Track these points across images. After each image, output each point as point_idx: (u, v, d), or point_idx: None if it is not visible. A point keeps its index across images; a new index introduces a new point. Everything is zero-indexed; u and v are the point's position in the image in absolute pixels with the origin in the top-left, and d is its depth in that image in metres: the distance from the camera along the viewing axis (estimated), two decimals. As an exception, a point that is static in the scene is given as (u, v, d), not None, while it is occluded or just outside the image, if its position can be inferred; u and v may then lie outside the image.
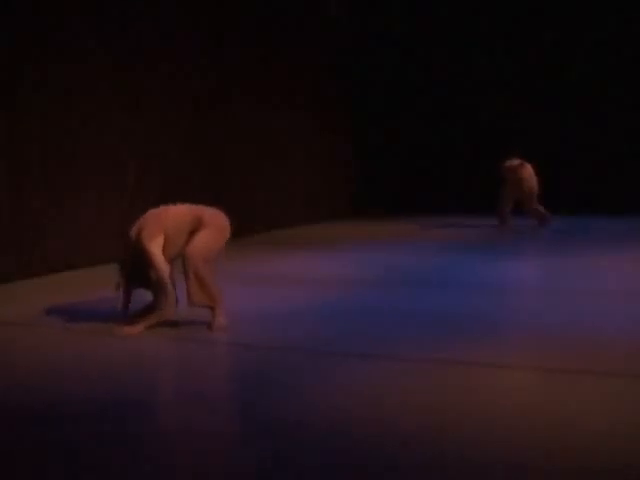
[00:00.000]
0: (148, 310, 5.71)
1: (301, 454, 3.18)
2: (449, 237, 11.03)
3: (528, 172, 11.80)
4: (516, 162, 11.94)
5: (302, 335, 5.31)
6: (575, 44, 13.67)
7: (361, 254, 9.32)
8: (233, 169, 11.12)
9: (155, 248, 5.36)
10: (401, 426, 3.51)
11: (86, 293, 7.08)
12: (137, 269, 5.58)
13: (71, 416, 3.70)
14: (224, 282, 7.36)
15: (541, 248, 9.79)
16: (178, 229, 5.49)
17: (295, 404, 3.83)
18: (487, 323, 5.55)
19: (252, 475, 2.99)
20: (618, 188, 13.58)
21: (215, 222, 5.56)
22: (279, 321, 5.74)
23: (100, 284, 7.45)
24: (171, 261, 5.58)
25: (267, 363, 4.60)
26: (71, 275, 8.27)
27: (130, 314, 5.71)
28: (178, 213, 5.55)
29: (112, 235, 8.93)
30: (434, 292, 6.78)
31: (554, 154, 13.78)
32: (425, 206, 14.83)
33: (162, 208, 5.65)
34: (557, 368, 4.39)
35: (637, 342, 4.96)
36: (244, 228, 11.13)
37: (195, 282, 5.44)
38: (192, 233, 5.52)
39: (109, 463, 3.12)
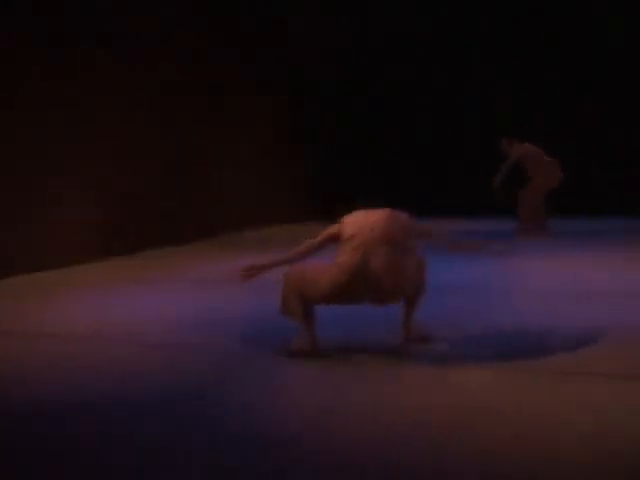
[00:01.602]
0: None
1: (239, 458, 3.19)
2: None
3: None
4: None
5: (250, 337, 5.30)
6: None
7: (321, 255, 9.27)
8: (194, 170, 10.95)
9: None
10: (348, 428, 3.52)
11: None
12: None
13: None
14: (173, 285, 7.43)
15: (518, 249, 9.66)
16: None
17: (233, 406, 3.84)
18: (448, 323, 5.55)
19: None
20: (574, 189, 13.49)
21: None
22: (228, 324, 5.70)
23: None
24: None
25: (207, 364, 4.62)
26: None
27: None
28: None
29: (76, 236, 8.84)
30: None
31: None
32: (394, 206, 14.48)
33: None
34: (511, 368, 4.43)
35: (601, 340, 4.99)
36: (206, 229, 11.07)
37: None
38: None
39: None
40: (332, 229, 4.85)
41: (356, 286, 4.62)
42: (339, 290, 4.65)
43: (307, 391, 4.12)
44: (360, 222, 4.76)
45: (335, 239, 4.81)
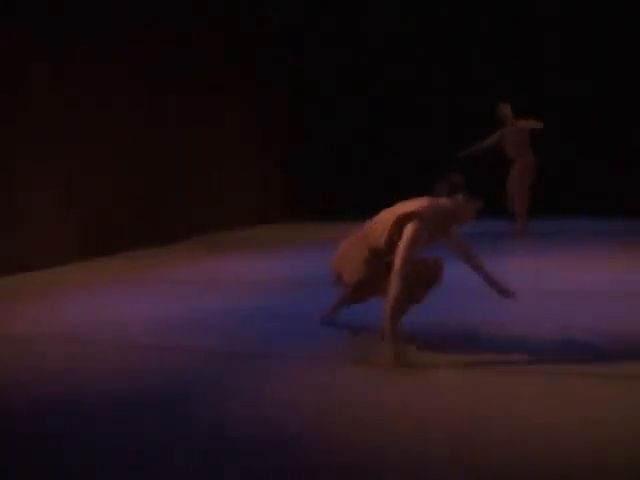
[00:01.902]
0: None
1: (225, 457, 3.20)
2: None
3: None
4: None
5: (227, 338, 5.28)
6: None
7: (293, 257, 9.21)
8: (167, 170, 10.85)
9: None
10: (322, 426, 3.54)
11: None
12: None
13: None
14: (159, 285, 7.41)
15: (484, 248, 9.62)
16: None
17: (218, 407, 3.84)
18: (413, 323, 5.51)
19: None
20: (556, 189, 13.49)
21: None
22: (206, 325, 5.68)
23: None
24: None
25: (190, 367, 4.62)
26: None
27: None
28: None
29: (59, 236, 8.80)
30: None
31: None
32: (368, 208, 14.36)
33: None
34: (462, 368, 4.44)
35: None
36: (192, 230, 11.03)
37: None
38: None
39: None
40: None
41: None
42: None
43: (303, 391, 4.11)
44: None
45: None
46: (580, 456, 3.16)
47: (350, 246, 5.00)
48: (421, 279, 4.92)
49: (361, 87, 14.71)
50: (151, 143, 10.48)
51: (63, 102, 8.94)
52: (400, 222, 4.66)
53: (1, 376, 4.59)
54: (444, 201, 4.80)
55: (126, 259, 9.27)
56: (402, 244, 4.55)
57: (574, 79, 13.52)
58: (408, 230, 4.58)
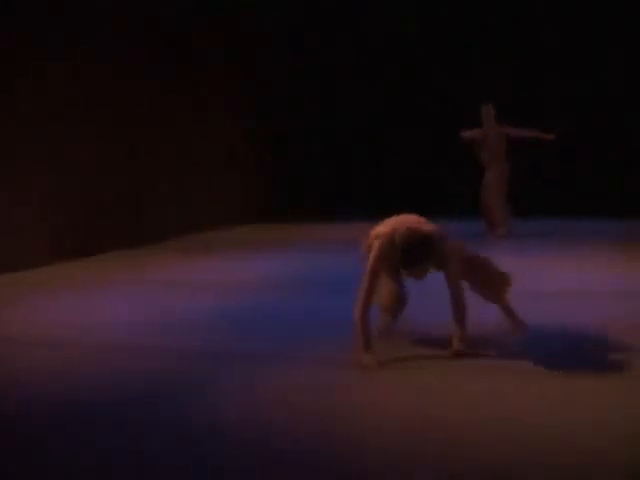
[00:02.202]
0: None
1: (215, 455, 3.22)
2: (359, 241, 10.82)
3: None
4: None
5: (209, 339, 5.28)
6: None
7: (272, 258, 9.18)
8: (150, 171, 10.79)
9: None
10: (306, 426, 3.56)
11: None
12: None
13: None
14: (129, 288, 7.34)
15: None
16: None
17: (202, 407, 3.86)
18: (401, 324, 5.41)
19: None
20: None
21: None
22: (188, 326, 5.68)
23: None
24: None
25: (173, 367, 4.62)
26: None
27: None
28: None
29: (32, 237, 8.74)
30: (342, 295, 6.72)
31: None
32: (350, 209, 14.23)
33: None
34: (462, 368, 4.47)
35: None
36: (162, 231, 10.92)
37: None
38: None
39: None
40: None
41: None
42: None
43: (287, 391, 4.12)
44: None
45: None
46: (579, 457, 3.16)
47: None
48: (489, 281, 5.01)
49: (351, 85, 14.68)
50: (134, 143, 10.39)
51: (45, 103, 8.89)
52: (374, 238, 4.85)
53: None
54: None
55: (109, 260, 9.20)
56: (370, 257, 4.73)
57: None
58: (374, 247, 4.76)
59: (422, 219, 4.87)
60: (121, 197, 10.14)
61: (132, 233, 10.27)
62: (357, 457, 3.21)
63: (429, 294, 5.49)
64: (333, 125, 14.75)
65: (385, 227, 4.84)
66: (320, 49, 14.49)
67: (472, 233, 10.38)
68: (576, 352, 4.76)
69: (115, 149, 10.02)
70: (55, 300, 6.83)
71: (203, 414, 3.78)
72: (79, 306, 6.53)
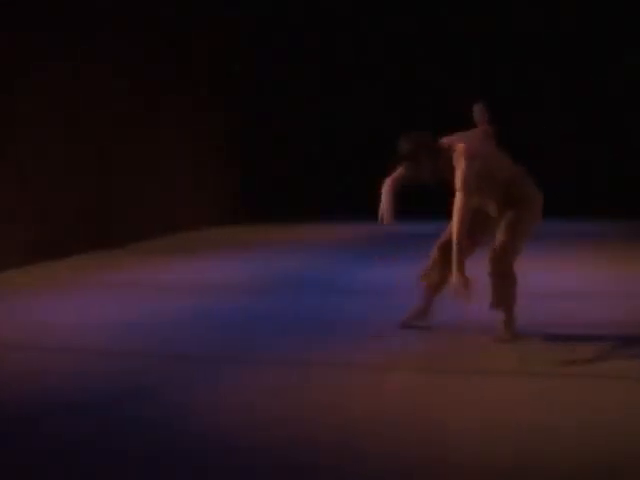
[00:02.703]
0: None
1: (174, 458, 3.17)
2: (340, 241, 10.80)
3: None
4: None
5: (173, 343, 5.17)
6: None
7: (246, 259, 9.10)
8: (119, 170, 10.50)
9: None
10: (276, 428, 3.50)
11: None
12: None
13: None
14: (99, 291, 7.21)
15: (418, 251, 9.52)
16: None
17: (168, 409, 3.79)
18: (369, 325, 5.48)
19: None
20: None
21: None
22: (149, 329, 5.54)
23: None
24: None
25: (132, 371, 4.52)
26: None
27: None
28: None
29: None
30: (316, 296, 6.72)
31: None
32: (328, 209, 14.18)
33: None
34: (442, 369, 4.42)
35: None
36: (138, 233, 10.66)
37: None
38: None
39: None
40: None
41: None
42: None
43: (255, 393, 4.04)
44: None
45: None
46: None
47: None
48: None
49: (318, 85, 14.62)
50: (106, 143, 10.13)
51: (17, 102, 8.65)
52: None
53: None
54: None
55: (85, 261, 8.99)
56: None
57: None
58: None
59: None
60: (100, 197, 9.94)
61: (110, 234, 10.08)
62: (327, 459, 3.15)
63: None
64: (316, 125, 14.70)
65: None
66: (297, 49, 14.43)
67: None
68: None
69: (93, 149, 9.79)
70: (34, 301, 6.68)
71: (180, 416, 3.70)
72: (56, 307, 6.40)
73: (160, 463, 3.14)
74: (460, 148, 4.76)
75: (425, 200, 13.27)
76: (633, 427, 3.42)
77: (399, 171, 5.02)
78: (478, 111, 10.43)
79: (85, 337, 5.37)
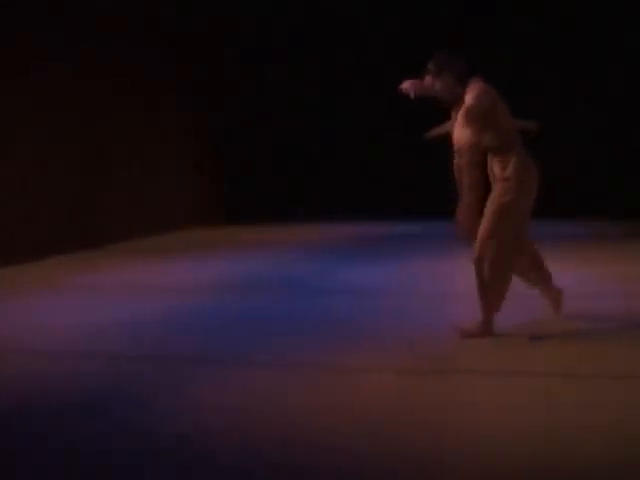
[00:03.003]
0: None
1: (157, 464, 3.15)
2: (317, 242, 10.76)
3: None
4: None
5: (147, 344, 5.15)
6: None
7: (225, 261, 9.03)
8: (98, 171, 10.39)
9: None
10: (245, 426, 3.51)
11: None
12: None
13: None
14: (80, 292, 7.12)
15: (400, 252, 9.49)
16: None
17: (142, 413, 3.76)
18: (348, 327, 5.47)
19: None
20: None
21: None
22: (124, 331, 5.49)
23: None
24: None
25: (113, 372, 4.51)
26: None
27: None
28: None
29: None
30: (295, 298, 6.70)
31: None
32: (295, 212, 14.16)
33: None
34: (418, 369, 4.40)
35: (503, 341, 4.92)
36: (103, 235, 10.44)
37: None
38: None
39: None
40: None
41: None
42: None
43: (228, 392, 4.04)
44: None
45: None
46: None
47: None
48: None
49: (300, 84, 14.43)
50: (86, 143, 10.00)
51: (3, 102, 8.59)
52: None
53: None
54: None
55: (60, 263, 8.84)
56: None
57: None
58: None
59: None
60: (73, 199, 9.76)
61: (89, 235, 9.96)
62: (321, 460, 3.15)
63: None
64: (290, 125, 14.65)
65: None
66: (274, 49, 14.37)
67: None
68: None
69: (67, 150, 9.63)
70: (4, 303, 6.62)
71: (166, 417, 3.69)
72: (30, 309, 6.33)
73: (144, 464, 3.14)
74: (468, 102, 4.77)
75: (406, 201, 13.46)
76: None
77: (419, 81, 5.00)
78: None
79: (60, 339, 5.31)
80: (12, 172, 8.78)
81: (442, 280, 7.39)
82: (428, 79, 4.92)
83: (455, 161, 4.85)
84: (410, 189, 13.54)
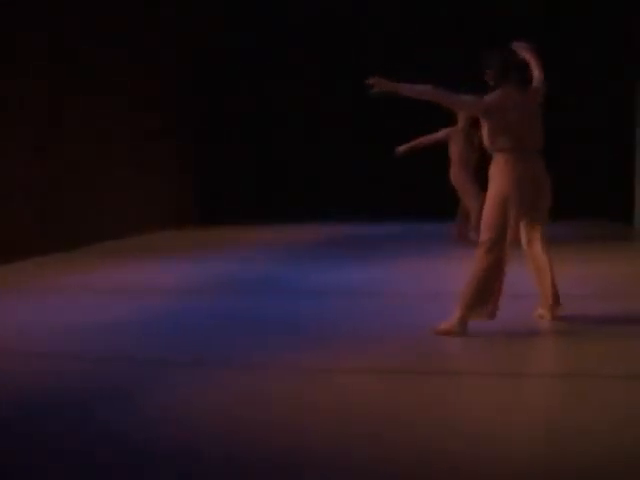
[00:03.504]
0: None
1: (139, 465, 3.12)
2: (289, 243, 10.78)
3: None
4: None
5: (129, 345, 5.11)
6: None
7: (198, 263, 8.98)
8: (63, 173, 10.07)
9: None
10: (221, 427, 3.50)
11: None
12: None
13: None
14: (47, 294, 7.03)
15: (374, 253, 9.52)
16: None
17: (126, 414, 3.71)
18: (322, 328, 5.46)
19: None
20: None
21: None
22: (106, 332, 5.43)
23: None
24: None
25: (93, 374, 4.47)
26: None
27: None
28: None
29: None
30: (266, 298, 6.68)
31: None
32: (277, 213, 14.20)
33: None
34: (392, 369, 4.41)
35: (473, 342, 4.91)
36: (79, 237, 10.22)
37: None
38: None
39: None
40: None
41: None
42: None
43: (206, 393, 4.02)
44: None
45: None
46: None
47: None
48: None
49: (280, 85, 14.50)
50: (53, 144, 9.77)
51: None
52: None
53: None
54: None
55: (26, 266, 8.68)
56: None
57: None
58: None
59: None
60: (53, 200, 9.65)
61: (65, 236, 9.77)
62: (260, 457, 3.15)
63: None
64: (271, 127, 14.66)
65: None
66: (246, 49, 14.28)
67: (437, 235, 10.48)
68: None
69: (33, 151, 9.41)
70: None
71: (123, 418, 3.65)
72: (6, 310, 6.26)
73: (128, 464, 3.12)
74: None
75: (387, 202, 13.54)
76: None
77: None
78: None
79: (38, 340, 5.26)
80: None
81: (426, 280, 7.43)
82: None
83: None
84: (392, 190, 13.69)
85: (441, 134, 9.69)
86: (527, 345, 4.91)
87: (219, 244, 10.99)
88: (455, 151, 9.62)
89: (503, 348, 4.77)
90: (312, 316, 5.89)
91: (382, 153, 12.94)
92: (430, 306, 6.03)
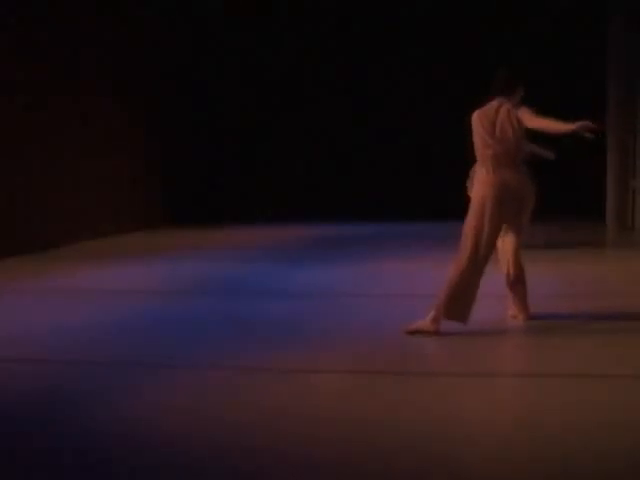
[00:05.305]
0: None
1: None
2: (263, 245, 10.62)
3: None
4: None
5: (96, 348, 5.02)
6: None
7: (169, 264, 8.85)
8: (37, 173, 9.95)
9: None
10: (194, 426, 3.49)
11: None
12: None
13: None
14: (20, 296, 6.92)
15: (347, 255, 9.43)
16: None
17: (95, 418, 3.67)
18: (294, 329, 5.39)
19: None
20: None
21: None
22: (81, 335, 5.34)
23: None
24: None
25: (65, 377, 4.40)
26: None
27: None
28: None
29: None
30: (241, 300, 6.59)
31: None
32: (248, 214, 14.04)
33: None
34: (366, 370, 4.39)
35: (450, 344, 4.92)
36: (52, 239, 10.06)
37: None
38: None
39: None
40: None
41: None
42: None
43: (175, 393, 3.99)
44: None
45: None
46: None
47: None
48: None
49: (249, 86, 14.43)
50: (19, 145, 9.54)
51: None
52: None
53: None
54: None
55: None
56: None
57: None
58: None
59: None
60: (17, 202, 9.43)
61: (30, 239, 9.55)
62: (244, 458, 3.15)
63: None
64: (241, 127, 14.56)
65: None
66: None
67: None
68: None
69: (9, 152, 9.28)
70: None
71: (93, 419, 3.64)
72: None
73: (96, 464, 3.11)
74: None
75: (359, 203, 13.47)
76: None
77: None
78: None
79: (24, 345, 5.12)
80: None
81: (399, 281, 7.38)
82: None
83: None
84: (366, 191, 13.60)
85: None
86: (500, 344, 4.92)
87: (188, 246, 10.82)
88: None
89: (475, 348, 4.75)
90: (284, 317, 5.81)
91: (358, 151, 13.09)
92: (404, 307, 5.92)
